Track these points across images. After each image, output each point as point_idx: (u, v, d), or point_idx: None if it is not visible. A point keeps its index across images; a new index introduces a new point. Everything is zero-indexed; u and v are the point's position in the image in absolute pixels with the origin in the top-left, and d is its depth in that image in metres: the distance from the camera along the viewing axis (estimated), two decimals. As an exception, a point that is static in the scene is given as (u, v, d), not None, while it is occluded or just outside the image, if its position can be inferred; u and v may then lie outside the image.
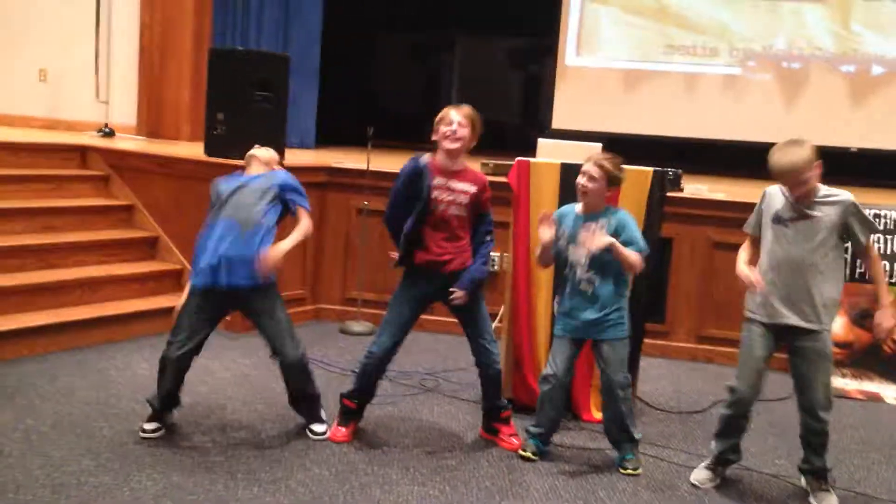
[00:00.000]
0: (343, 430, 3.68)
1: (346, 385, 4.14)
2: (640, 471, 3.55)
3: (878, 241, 4.99)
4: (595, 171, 3.46)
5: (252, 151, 3.76)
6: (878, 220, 5.00)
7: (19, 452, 3.32)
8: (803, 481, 3.47)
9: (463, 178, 3.56)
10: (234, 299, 3.54)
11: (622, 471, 3.54)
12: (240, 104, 5.35)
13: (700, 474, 3.50)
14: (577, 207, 3.57)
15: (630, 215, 3.56)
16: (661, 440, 3.93)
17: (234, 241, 3.44)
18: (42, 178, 5.59)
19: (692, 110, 7.19)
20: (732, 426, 3.44)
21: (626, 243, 3.43)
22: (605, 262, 3.45)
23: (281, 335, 3.55)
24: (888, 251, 4.99)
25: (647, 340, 4.83)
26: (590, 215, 3.51)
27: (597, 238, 3.38)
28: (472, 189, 3.55)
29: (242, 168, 3.77)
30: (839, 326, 4.99)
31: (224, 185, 3.62)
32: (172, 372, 3.54)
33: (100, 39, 7.17)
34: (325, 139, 7.38)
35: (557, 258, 3.61)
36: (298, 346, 3.59)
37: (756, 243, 3.41)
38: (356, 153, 6.20)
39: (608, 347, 3.51)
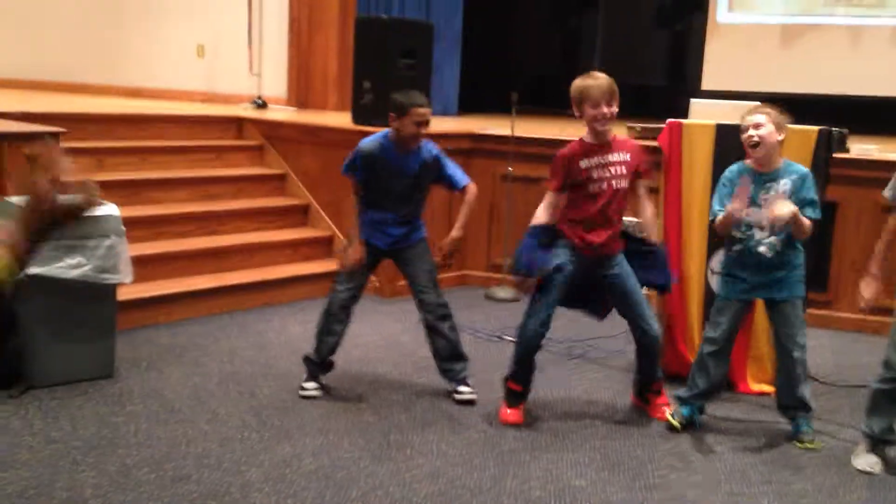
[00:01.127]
0: (510, 411, 3.58)
1: (492, 351, 4.15)
2: (818, 444, 3.38)
3: None
4: (761, 118, 3.27)
5: None
6: None
7: (189, 408, 3.52)
8: None
9: (616, 149, 3.44)
10: None
11: (799, 444, 3.39)
12: (385, 72, 5.42)
13: (863, 460, 3.28)
14: (753, 163, 3.36)
15: (811, 174, 3.35)
16: (826, 414, 3.73)
17: None
18: (202, 148, 5.87)
19: (857, 66, 6.71)
20: (885, 403, 3.23)
21: (801, 203, 3.25)
22: (785, 225, 3.26)
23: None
24: None
25: (808, 311, 4.58)
26: (769, 174, 3.32)
27: (781, 206, 3.18)
28: (628, 158, 3.44)
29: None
30: None
31: None
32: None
33: (252, 14, 7.42)
34: (467, 106, 7.38)
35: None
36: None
37: None
38: (499, 119, 6.16)
39: (789, 306, 3.38)
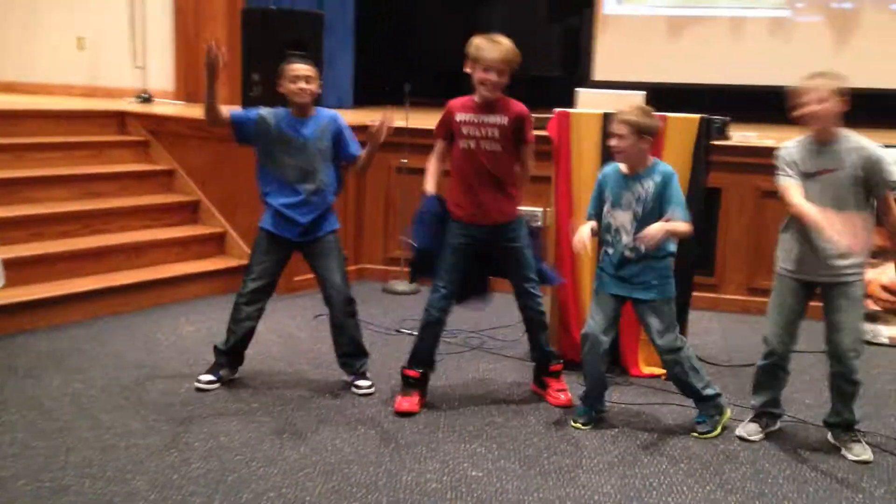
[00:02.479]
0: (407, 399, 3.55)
1: (391, 345, 4.13)
2: (711, 434, 3.41)
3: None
4: (621, 129, 3.27)
5: None
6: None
7: (70, 416, 3.36)
8: (830, 436, 3.38)
9: (497, 111, 3.41)
10: None
11: (693, 434, 3.41)
12: (275, 64, 5.26)
13: (747, 427, 3.42)
14: (621, 167, 3.40)
15: (675, 174, 3.34)
16: (712, 394, 3.84)
17: None
18: (83, 145, 5.62)
19: (739, 56, 6.95)
20: (766, 378, 3.36)
21: (667, 203, 3.27)
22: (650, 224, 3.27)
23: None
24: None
25: (695, 294, 4.72)
26: (634, 176, 3.34)
27: (650, 240, 3.21)
28: (504, 122, 3.40)
29: None
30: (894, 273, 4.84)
31: None
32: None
33: (134, 5, 7.14)
34: (362, 99, 7.30)
35: (599, 221, 3.45)
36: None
37: None
38: (394, 111, 6.10)
39: (649, 310, 3.36)
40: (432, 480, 2.96)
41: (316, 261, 3.67)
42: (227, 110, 3.65)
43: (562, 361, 3.76)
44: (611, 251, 3.40)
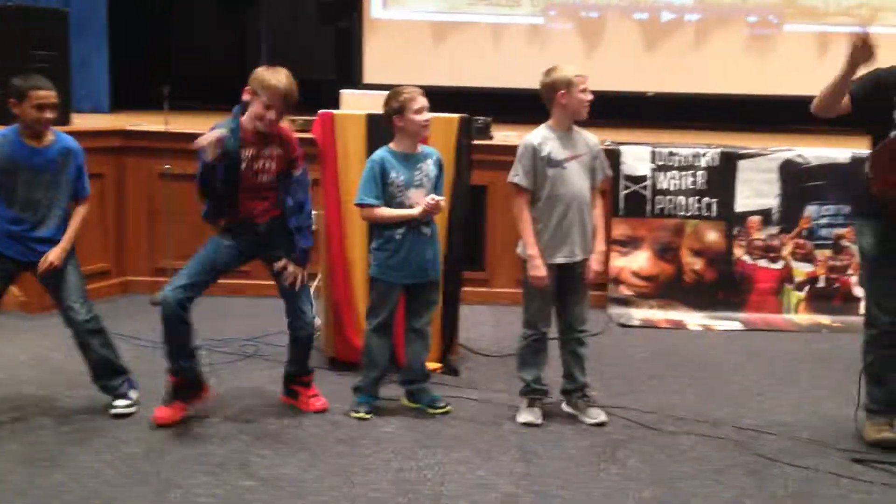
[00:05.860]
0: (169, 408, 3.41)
1: (159, 360, 3.92)
2: (448, 408, 3.62)
3: (674, 178, 5.27)
4: (427, 104, 3.49)
5: None
6: (672, 158, 5.28)
7: None
8: (566, 406, 3.65)
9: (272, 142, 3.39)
10: None
11: (432, 411, 3.61)
12: (16, 66, 4.87)
13: (524, 415, 3.57)
14: (394, 147, 3.52)
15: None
16: (484, 383, 3.99)
17: None
18: None
19: (500, 60, 7.27)
20: (530, 355, 3.58)
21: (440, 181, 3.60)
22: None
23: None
24: (683, 186, 5.27)
25: (468, 288, 4.88)
26: (416, 156, 3.53)
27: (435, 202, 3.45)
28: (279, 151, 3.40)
29: None
30: (644, 260, 5.26)
31: None
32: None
33: None
34: (121, 103, 6.92)
35: (390, 203, 3.51)
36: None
37: None
38: (156, 116, 5.84)
39: (435, 287, 3.63)
40: (202, 495, 2.84)
41: (47, 281, 3.42)
42: None
43: (313, 371, 3.72)
44: (402, 232, 3.49)
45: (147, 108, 6.81)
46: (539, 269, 3.43)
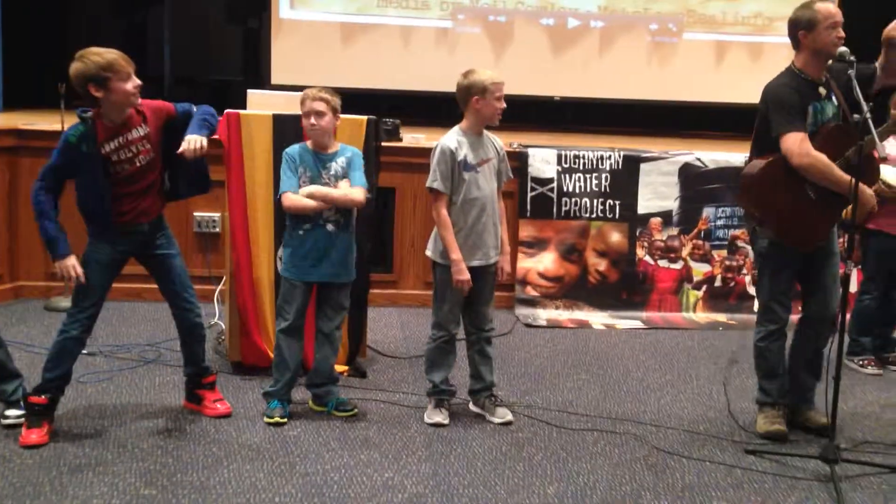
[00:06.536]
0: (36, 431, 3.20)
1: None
2: (355, 411, 3.61)
3: (579, 180, 5.38)
4: (321, 106, 3.43)
5: None
6: (577, 160, 5.39)
7: None
8: (473, 406, 3.69)
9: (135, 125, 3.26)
10: None
11: (339, 413, 3.60)
12: None
13: (432, 416, 3.58)
14: (310, 145, 3.51)
15: (360, 153, 3.64)
16: (392, 385, 3.99)
17: None
18: None
19: (409, 63, 7.27)
20: (439, 357, 3.59)
21: (353, 178, 3.52)
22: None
23: None
24: (587, 189, 5.39)
25: (376, 290, 4.87)
26: (328, 155, 3.51)
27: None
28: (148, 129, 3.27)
29: None
30: (550, 261, 5.35)
31: None
32: None
33: None
34: (14, 100, 6.64)
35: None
36: None
37: None
38: (51, 114, 5.63)
39: (345, 291, 3.58)
40: (99, 505, 2.76)
41: None
42: None
43: (215, 373, 3.66)
44: (307, 228, 3.46)
45: (42, 106, 6.56)
46: (464, 273, 3.45)
